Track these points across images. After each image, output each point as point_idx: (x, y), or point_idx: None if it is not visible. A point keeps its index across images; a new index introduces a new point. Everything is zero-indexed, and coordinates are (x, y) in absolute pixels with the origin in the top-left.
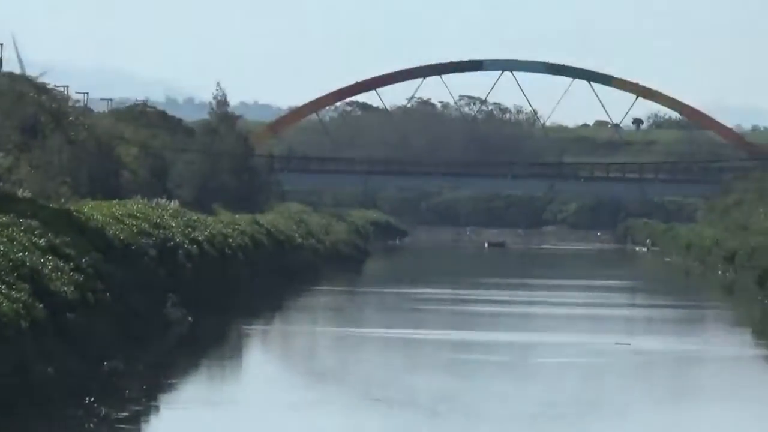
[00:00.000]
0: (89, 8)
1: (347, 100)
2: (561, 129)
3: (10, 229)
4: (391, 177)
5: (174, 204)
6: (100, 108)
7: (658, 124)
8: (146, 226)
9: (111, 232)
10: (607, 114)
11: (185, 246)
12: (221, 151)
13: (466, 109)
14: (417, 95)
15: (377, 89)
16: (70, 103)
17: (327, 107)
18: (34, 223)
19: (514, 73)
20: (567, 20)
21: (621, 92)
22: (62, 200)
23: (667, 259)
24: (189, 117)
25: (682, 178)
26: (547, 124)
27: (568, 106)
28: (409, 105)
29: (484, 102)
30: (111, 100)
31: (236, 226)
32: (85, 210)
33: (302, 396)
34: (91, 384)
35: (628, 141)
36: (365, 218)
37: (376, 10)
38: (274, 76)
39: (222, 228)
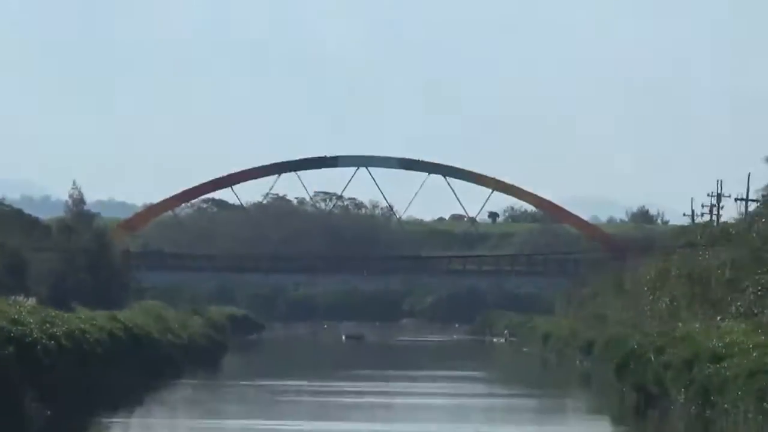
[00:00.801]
0: None
1: (203, 197)
2: (417, 223)
3: None
4: (247, 273)
5: (31, 301)
6: None
7: (514, 217)
8: (3, 322)
9: None
10: (463, 208)
11: (43, 342)
12: (78, 249)
13: (322, 204)
14: (272, 191)
15: (232, 186)
16: None
17: (182, 204)
18: None
19: (369, 168)
20: (421, 117)
21: (476, 186)
22: None
23: (525, 350)
24: (45, 215)
25: (538, 270)
26: (403, 218)
27: (423, 201)
28: (264, 201)
29: (339, 197)
30: None
31: (94, 323)
32: None
33: None
34: None
35: (484, 234)
36: (222, 313)
37: (230, 106)
38: (129, 174)
39: (80, 324)
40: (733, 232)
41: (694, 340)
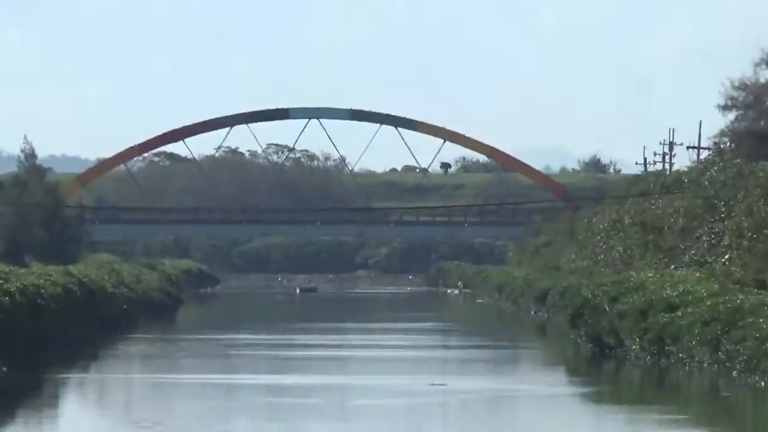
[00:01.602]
0: None
1: (155, 150)
2: (369, 174)
3: None
4: (201, 225)
5: None
6: None
7: (466, 167)
8: None
9: None
10: (415, 159)
11: None
12: (31, 204)
13: (275, 157)
14: (225, 144)
15: (185, 139)
16: None
17: (135, 158)
18: None
19: (320, 120)
20: (372, 66)
21: (428, 137)
22: None
23: (480, 301)
24: None
25: (491, 220)
26: (356, 170)
27: (375, 152)
28: (217, 154)
29: (291, 150)
30: None
31: (48, 277)
32: None
33: None
34: None
35: (436, 185)
36: (176, 267)
37: (182, 58)
38: (81, 128)
39: (34, 279)
40: (686, 180)
41: (648, 289)
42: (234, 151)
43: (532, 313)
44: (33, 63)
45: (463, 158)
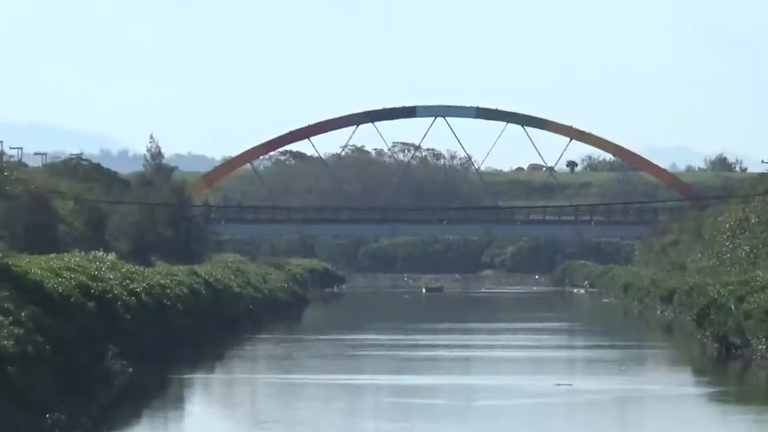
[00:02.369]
0: (20, 64)
1: (281, 149)
2: (496, 173)
3: None
4: (327, 224)
5: (111, 256)
6: (35, 163)
7: (592, 166)
8: (84, 278)
9: (49, 285)
10: (541, 157)
11: (124, 298)
12: (157, 203)
13: (400, 155)
14: (351, 143)
15: (310, 138)
16: (4, 159)
17: (261, 157)
18: None
19: (446, 118)
20: (499, 65)
21: (554, 135)
22: None
23: (606, 300)
24: (124, 169)
25: (617, 219)
26: (482, 168)
27: (501, 151)
28: (342, 153)
29: (417, 148)
30: (45, 154)
31: (174, 277)
32: (23, 264)
33: None
34: None
35: (563, 184)
36: (302, 266)
37: (309, 58)
38: (208, 127)
39: (160, 279)
40: None
41: None
42: (360, 150)
43: (658, 312)
44: (161, 63)
45: (589, 157)
